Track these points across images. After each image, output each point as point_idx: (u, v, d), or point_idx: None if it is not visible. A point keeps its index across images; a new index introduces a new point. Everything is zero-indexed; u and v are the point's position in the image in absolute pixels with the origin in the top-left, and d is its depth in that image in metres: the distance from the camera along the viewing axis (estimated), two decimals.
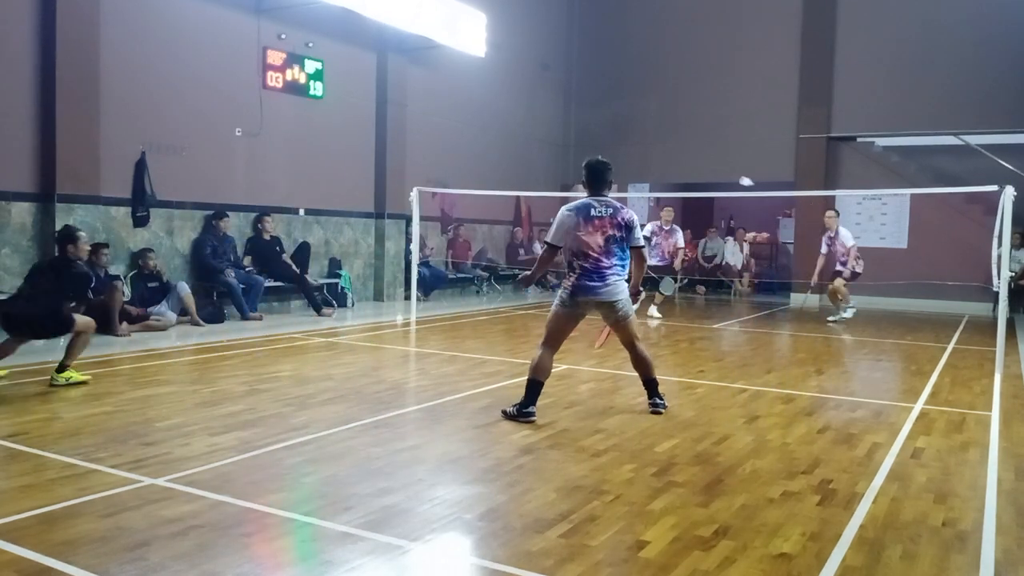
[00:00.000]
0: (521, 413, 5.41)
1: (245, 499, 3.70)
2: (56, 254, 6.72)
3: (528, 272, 5.89)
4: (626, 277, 5.66)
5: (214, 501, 3.65)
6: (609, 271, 5.48)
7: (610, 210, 5.49)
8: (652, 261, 11.68)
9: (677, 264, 12.59)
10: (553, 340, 5.60)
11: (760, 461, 4.54)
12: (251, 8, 10.91)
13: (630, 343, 5.71)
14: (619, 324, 5.65)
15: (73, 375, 6.25)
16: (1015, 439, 5.25)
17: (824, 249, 12.05)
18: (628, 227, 5.53)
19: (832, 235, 11.90)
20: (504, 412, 5.51)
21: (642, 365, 5.75)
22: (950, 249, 14.21)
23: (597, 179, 5.57)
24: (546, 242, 5.65)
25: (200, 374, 6.90)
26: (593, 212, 5.46)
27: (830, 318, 12.15)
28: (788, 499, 3.90)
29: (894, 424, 5.58)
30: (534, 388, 5.44)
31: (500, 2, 15.23)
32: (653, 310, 11.98)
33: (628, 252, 5.61)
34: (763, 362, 8.33)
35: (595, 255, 5.45)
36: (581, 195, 5.67)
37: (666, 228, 12.10)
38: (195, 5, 10.22)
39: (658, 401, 5.79)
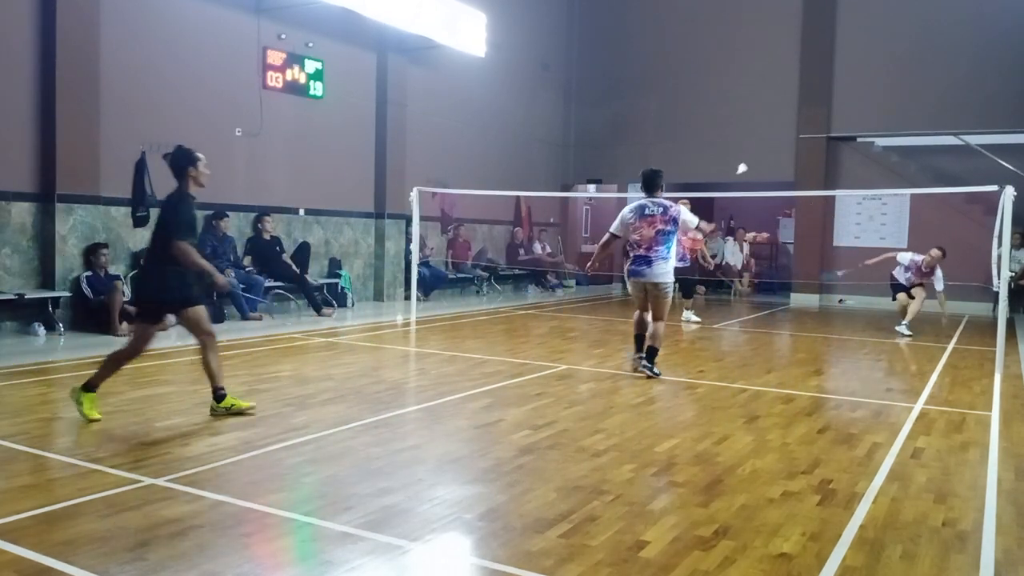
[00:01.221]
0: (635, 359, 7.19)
1: (245, 499, 3.70)
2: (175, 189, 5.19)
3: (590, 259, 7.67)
4: (672, 262, 7.09)
5: (214, 501, 3.65)
6: (655, 257, 6.93)
7: (660, 208, 6.97)
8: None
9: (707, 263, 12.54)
10: (639, 305, 7.27)
11: (760, 461, 4.54)
12: (251, 8, 10.91)
13: (658, 317, 7.09)
14: (657, 299, 7.06)
15: (236, 402, 5.22)
16: (1015, 439, 5.25)
17: (903, 273, 11.01)
18: (675, 221, 6.99)
19: (926, 270, 10.90)
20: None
21: (653, 336, 7.04)
22: (950, 249, 14.14)
23: (648, 184, 7.07)
24: (610, 232, 7.26)
25: (200, 374, 6.87)
26: (647, 211, 6.98)
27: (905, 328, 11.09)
28: (788, 499, 3.90)
29: (894, 424, 5.58)
30: (637, 340, 7.18)
31: (500, 2, 15.23)
32: (688, 315, 11.75)
33: (673, 241, 7.03)
34: (763, 362, 8.32)
35: (645, 245, 6.93)
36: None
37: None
38: (195, 5, 10.22)
39: (647, 364, 7.00)
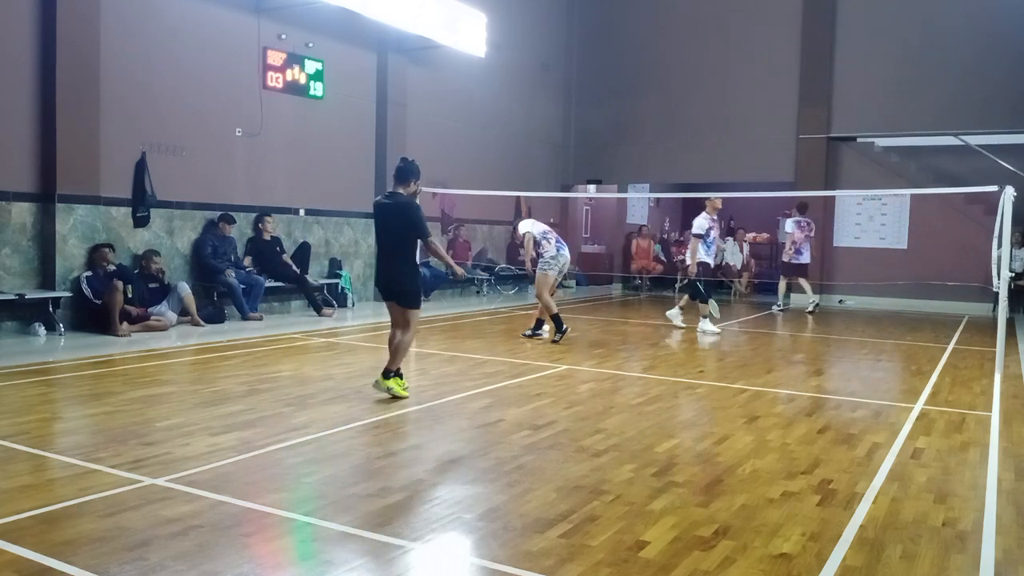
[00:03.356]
0: (560, 333, 9.03)
1: (245, 499, 3.70)
2: (391, 189, 5.99)
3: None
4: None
5: (214, 501, 3.65)
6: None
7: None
8: (714, 261, 10.53)
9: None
10: (551, 288, 9.28)
11: (760, 461, 4.54)
12: (251, 8, 10.91)
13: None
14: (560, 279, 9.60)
15: (396, 385, 5.86)
16: (1015, 439, 5.25)
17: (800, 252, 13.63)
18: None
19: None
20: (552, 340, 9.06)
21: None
22: (950, 249, 14.21)
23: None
24: (531, 234, 9.33)
25: (200, 374, 6.90)
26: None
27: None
28: (788, 499, 3.90)
29: (894, 424, 5.58)
30: (557, 319, 9.04)
31: (500, 2, 15.22)
32: (706, 324, 10.45)
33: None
34: (763, 362, 8.32)
35: (555, 236, 9.42)
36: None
37: (714, 218, 10.54)
38: (195, 5, 10.22)
39: (535, 332, 9.36)
